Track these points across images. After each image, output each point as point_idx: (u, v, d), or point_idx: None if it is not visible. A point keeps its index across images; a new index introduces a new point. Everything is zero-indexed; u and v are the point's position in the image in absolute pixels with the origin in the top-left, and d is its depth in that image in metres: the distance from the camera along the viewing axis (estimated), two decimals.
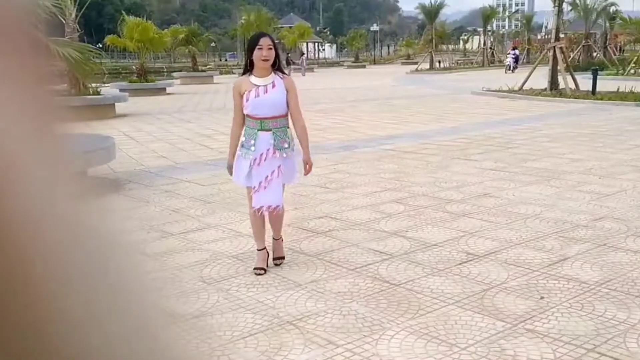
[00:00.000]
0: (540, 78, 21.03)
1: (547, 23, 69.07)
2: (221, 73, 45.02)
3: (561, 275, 4.36)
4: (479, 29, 66.50)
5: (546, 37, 54.39)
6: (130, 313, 0.25)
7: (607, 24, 41.25)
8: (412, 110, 17.16)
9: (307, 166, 4.49)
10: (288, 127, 4.43)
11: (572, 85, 19.76)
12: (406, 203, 6.50)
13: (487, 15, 51.67)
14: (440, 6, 47.87)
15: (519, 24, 69.50)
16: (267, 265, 4.58)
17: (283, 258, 4.70)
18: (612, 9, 40.16)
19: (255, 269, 4.52)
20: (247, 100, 4.28)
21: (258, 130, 4.31)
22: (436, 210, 6.13)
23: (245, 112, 4.33)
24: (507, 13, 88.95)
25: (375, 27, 79.17)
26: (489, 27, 55.15)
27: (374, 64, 68.48)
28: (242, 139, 4.40)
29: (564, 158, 9.03)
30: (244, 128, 4.41)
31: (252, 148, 4.29)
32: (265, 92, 4.26)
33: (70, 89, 15.34)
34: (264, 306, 3.93)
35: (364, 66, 59.68)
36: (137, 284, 0.26)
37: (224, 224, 5.89)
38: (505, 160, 8.96)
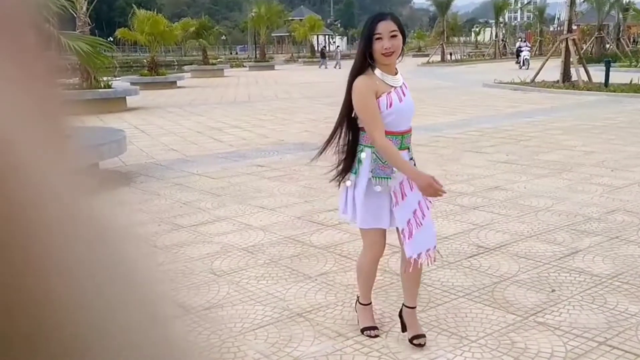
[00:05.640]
0: (552, 70, 20.88)
1: (560, 15, 68.48)
2: (232, 66, 45.09)
3: (572, 268, 4.34)
4: (490, 21, 66.03)
5: (559, 28, 53.91)
6: (140, 305, 0.25)
7: (621, 16, 40.81)
8: (423, 103, 17.07)
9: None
10: None
11: (584, 78, 19.59)
12: None
13: (499, 6, 51.23)
14: None
15: (531, 16, 68.93)
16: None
17: (424, 337, 3.32)
18: (625, 0, 39.73)
19: (367, 329, 3.45)
20: (389, 106, 3.09)
21: (398, 149, 3.14)
22: (447, 203, 6.11)
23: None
24: (519, 4, 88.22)
25: None
26: (501, 19, 54.72)
27: None
28: (367, 164, 3.15)
29: (576, 150, 8.97)
30: (366, 149, 3.17)
31: (393, 175, 3.12)
32: (403, 94, 3.16)
33: (82, 82, 15.42)
34: (274, 298, 3.95)
35: None
36: (147, 276, 0.26)
37: (234, 216, 5.91)
38: (517, 152, 8.91)
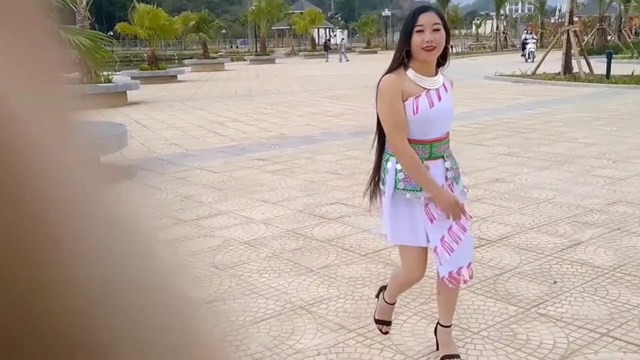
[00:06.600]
0: (554, 62, 20.83)
1: (561, 6, 68.20)
2: (232, 60, 45.00)
3: (574, 259, 4.34)
4: (491, 14, 65.84)
5: (560, 20, 53.76)
6: (164, 298, 0.25)
7: (622, 7, 40.64)
8: None
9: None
10: None
11: (586, 69, 19.54)
12: None
13: None
14: None
15: (532, 8, 68.70)
16: None
17: (458, 357, 3.08)
18: None
19: (381, 322, 3.30)
20: (415, 112, 2.77)
21: (425, 159, 2.82)
22: None
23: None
24: None
25: (387, 12, 78.55)
26: (502, 11, 54.54)
27: (386, 49, 68.05)
28: (392, 173, 2.86)
29: (577, 142, 8.95)
30: (392, 157, 2.86)
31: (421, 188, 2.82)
32: (438, 98, 2.81)
33: (82, 77, 15.41)
34: (276, 291, 3.95)
35: (375, 52, 59.26)
36: (167, 265, 0.26)
37: (236, 210, 5.92)
38: (518, 145, 8.90)
